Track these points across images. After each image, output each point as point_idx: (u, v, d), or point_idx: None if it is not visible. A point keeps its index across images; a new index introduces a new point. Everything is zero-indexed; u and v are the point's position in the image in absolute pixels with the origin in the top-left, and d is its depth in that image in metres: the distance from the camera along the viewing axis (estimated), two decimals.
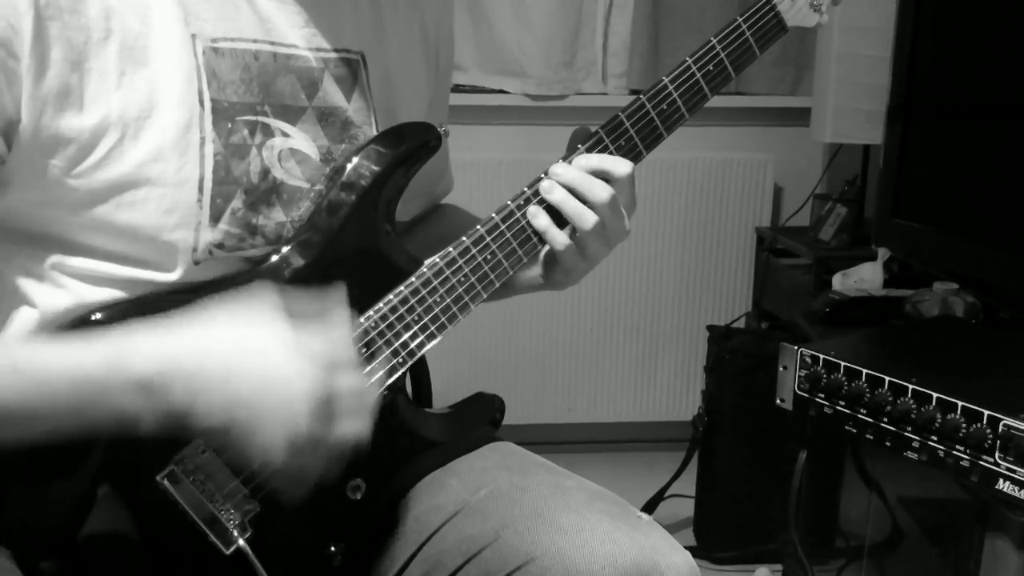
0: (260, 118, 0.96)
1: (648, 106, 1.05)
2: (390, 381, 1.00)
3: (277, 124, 0.97)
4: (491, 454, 1.11)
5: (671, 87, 1.06)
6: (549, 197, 1.03)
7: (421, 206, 1.24)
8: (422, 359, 1.29)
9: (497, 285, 1.03)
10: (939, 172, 1.95)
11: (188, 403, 0.82)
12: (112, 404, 0.81)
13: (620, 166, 1.03)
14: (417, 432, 1.05)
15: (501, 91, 2.75)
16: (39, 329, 0.91)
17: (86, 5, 0.87)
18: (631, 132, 1.05)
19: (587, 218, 1.02)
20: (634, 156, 1.05)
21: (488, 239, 1.02)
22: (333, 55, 1.02)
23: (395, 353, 1.00)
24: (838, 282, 2.27)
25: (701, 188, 2.80)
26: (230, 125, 0.94)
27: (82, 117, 0.87)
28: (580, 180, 1.02)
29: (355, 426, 0.85)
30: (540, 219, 1.03)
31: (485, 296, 1.03)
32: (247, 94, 0.95)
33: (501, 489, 1.04)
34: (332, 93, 1.02)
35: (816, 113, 2.55)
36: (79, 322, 0.90)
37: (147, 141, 0.89)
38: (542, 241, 1.04)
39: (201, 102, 0.92)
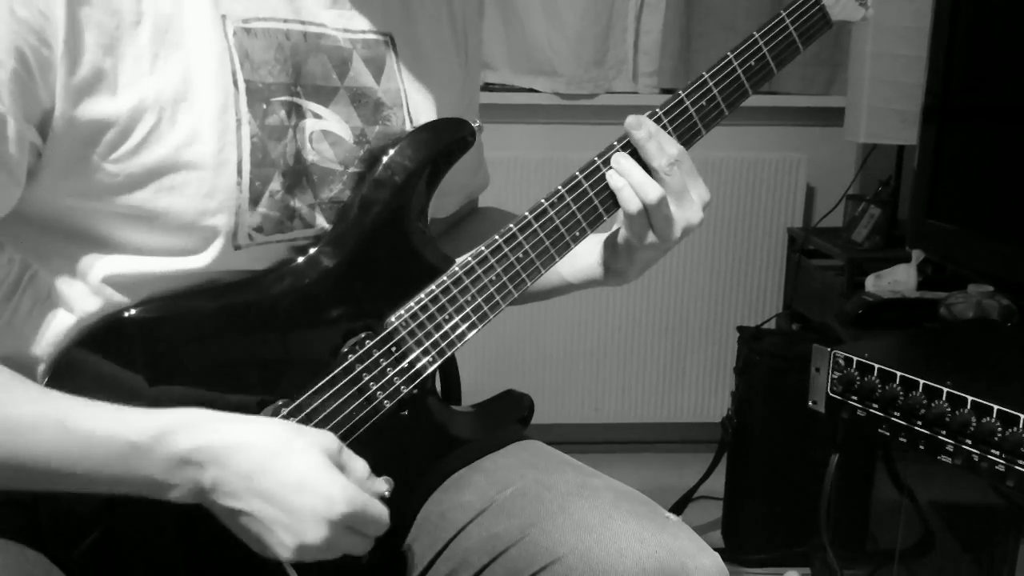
0: (294, 99, 0.96)
1: (687, 102, 1.03)
2: (420, 380, 0.99)
3: (309, 106, 0.97)
4: (518, 452, 1.10)
5: (711, 83, 1.04)
6: (617, 165, 1.00)
7: (459, 202, 1.23)
8: (451, 357, 1.29)
9: (529, 284, 1.02)
10: (974, 173, 1.93)
11: (215, 482, 0.85)
12: (149, 474, 0.84)
13: (670, 146, 1.01)
14: (445, 430, 1.04)
15: (532, 90, 2.75)
16: (72, 333, 0.91)
17: None
18: (668, 130, 1.03)
19: (650, 188, 0.99)
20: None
21: (521, 237, 1.00)
22: (361, 36, 1.02)
23: (425, 352, 0.99)
24: (871, 284, 2.25)
25: (733, 188, 2.79)
26: (265, 106, 0.93)
27: (117, 101, 0.86)
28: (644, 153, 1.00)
29: (362, 546, 0.89)
30: (615, 179, 1.00)
31: (516, 295, 1.01)
32: (281, 74, 0.95)
33: (527, 487, 1.03)
34: (362, 73, 1.01)
35: (850, 113, 2.53)
36: (113, 322, 0.91)
37: (184, 124, 0.88)
38: (584, 231, 1.02)
39: (235, 83, 0.91)
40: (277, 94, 0.94)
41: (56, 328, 0.91)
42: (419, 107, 1.05)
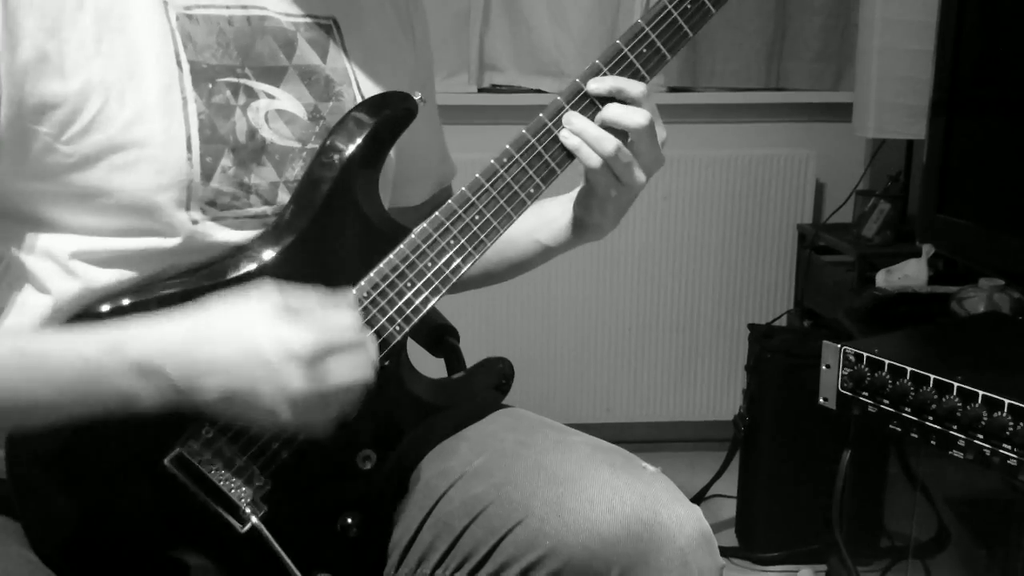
0: (241, 80, 0.98)
1: (626, 49, 1.02)
2: (388, 349, 0.99)
3: (261, 86, 0.99)
4: (502, 419, 1.11)
5: (647, 28, 1.03)
6: (569, 125, 1.00)
7: (429, 190, 1.25)
8: (458, 355, 1.29)
9: (488, 244, 1.01)
10: (984, 167, 1.93)
11: (185, 383, 0.85)
12: (111, 386, 0.85)
13: (634, 87, 1.01)
14: (420, 398, 1.04)
15: (538, 91, 2.74)
16: (52, 316, 0.93)
17: None
18: (631, 58, 1.02)
19: (607, 142, 0.99)
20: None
21: (474, 198, 1.00)
22: (303, 20, 1.04)
23: (391, 321, 0.99)
24: (882, 279, 2.24)
25: (742, 184, 2.78)
26: (211, 86, 0.95)
27: (65, 83, 0.89)
28: (614, 112, 1.00)
29: (355, 371, 0.88)
30: (570, 140, 1.01)
31: (478, 256, 1.01)
32: (225, 57, 0.97)
33: (505, 448, 1.04)
34: (307, 53, 1.03)
35: (858, 108, 2.52)
36: (85, 313, 0.92)
37: (131, 103, 0.91)
38: (539, 188, 1.02)
39: (179, 64, 0.94)
40: (222, 75, 0.96)
41: (34, 308, 0.94)
42: (368, 85, 1.07)
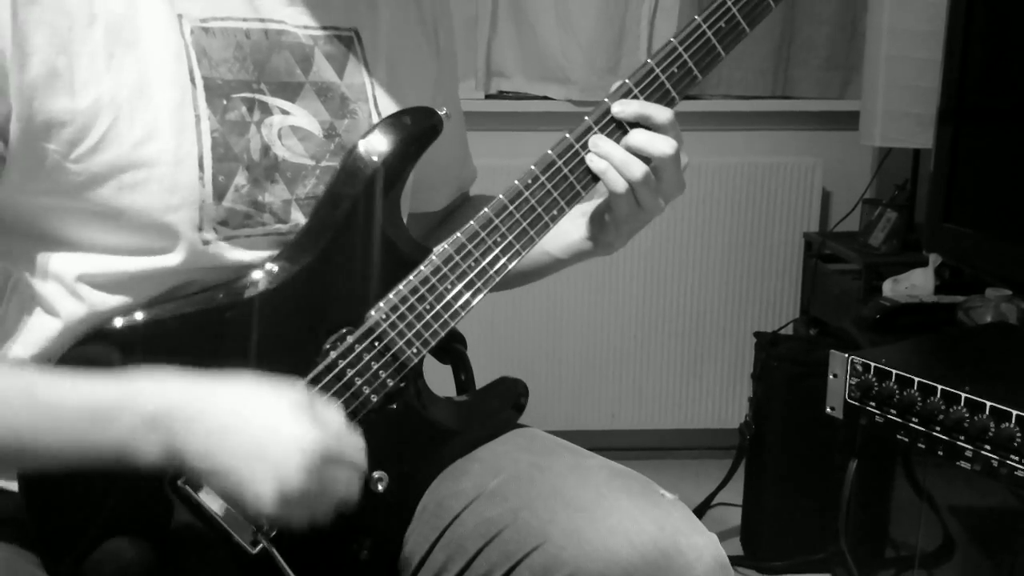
0: (257, 96, 0.96)
1: (658, 71, 1.02)
2: (406, 371, 0.99)
3: (276, 102, 0.97)
4: (515, 439, 1.10)
5: (680, 48, 1.02)
6: (596, 149, 1.00)
7: (450, 195, 1.24)
8: (465, 362, 1.29)
9: (510, 268, 1.01)
10: (991, 176, 1.92)
11: (189, 446, 0.84)
12: (117, 437, 0.84)
13: (661, 113, 1.00)
14: (436, 421, 1.04)
15: (545, 97, 2.75)
16: (61, 336, 0.92)
17: None
18: (641, 99, 1.01)
19: (635, 167, 0.99)
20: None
21: (497, 221, 1.00)
22: (322, 32, 1.02)
23: (409, 344, 0.99)
24: (889, 288, 2.24)
25: (749, 193, 2.78)
26: (225, 102, 0.94)
27: (74, 100, 0.87)
28: (640, 139, 1.00)
29: (345, 487, 0.88)
30: (597, 163, 1.00)
31: (498, 279, 1.01)
32: (242, 71, 0.95)
33: (520, 471, 1.03)
34: (324, 69, 1.01)
35: (865, 117, 2.52)
36: (97, 331, 0.92)
37: (142, 121, 0.90)
38: (562, 210, 1.01)
39: (192, 81, 0.92)
40: (238, 90, 0.95)
41: (42, 331, 0.93)
42: (386, 100, 1.05)
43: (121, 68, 0.89)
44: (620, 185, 1.00)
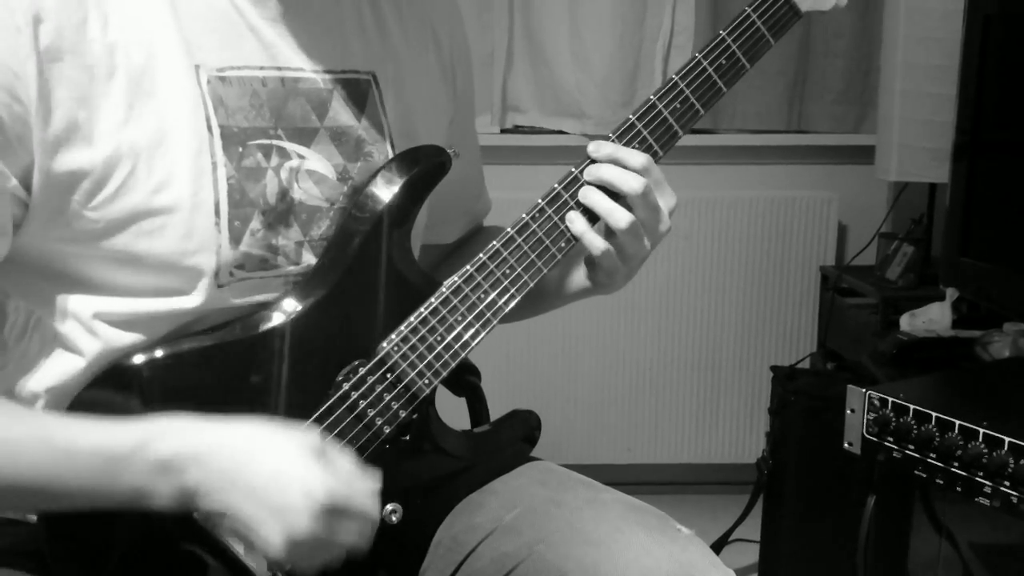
0: (274, 141, 0.98)
1: (660, 106, 1.04)
2: (417, 402, 1.00)
3: (292, 147, 0.99)
4: (530, 472, 1.10)
5: (682, 84, 1.04)
6: (585, 200, 1.02)
7: (463, 228, 1.26)
8: (480, 395, 1.29)
9: (518, 298, 1.02)
10: (1007, 210, 1.92)
11: (202, 489, 0.85)
12: (131, 482, 0.86)
13: (634, 157, 1.02)
14: (449, 453, 1.05)
15: (560, 132, 2.76)
16: (80, 374, 0.94)
17: (88, 45, 0.89)
18: (644, 134, 1.04)
19: (619, 216, 1.01)
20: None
21: (505, 253, 1.02)
22: (340, 76, 1.03)
23: (420, 375, 1.00)
24: (906, 323, 2.23)
25: (765, 226, 2.78)
26: (241, 149, 0.95)
27: (93, 151, 0.89)
28: (610, 174, 1.02)
29: (355, 536, 0.88)
30: (577, 224, 1.02)
31: (507, 310, 1.02)
32: (258, 119, 0.97)
33: (537, 505, 1.03)
34: (341, 112, 1.03)
35: (880, 151, 2.52)
36: (115, 367, 0.93)
37: (159, 169, 0.91)
38: (569, 241, 1.03)
39: (209, 128, 0.93)
40: (254, 137, 0.96)
41: (63, 368, 0.94)
42: (403, 143, 1.06)
43: (140, 118, 0.91)
44: (598, 247, 1.02)
